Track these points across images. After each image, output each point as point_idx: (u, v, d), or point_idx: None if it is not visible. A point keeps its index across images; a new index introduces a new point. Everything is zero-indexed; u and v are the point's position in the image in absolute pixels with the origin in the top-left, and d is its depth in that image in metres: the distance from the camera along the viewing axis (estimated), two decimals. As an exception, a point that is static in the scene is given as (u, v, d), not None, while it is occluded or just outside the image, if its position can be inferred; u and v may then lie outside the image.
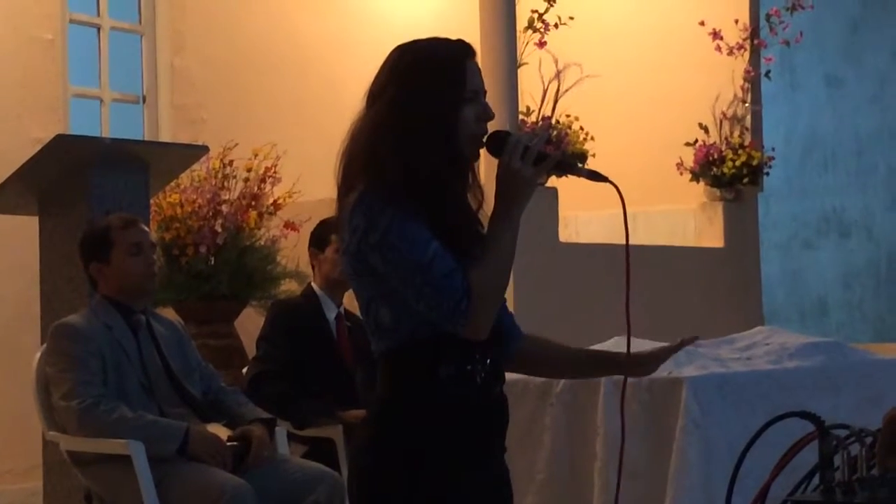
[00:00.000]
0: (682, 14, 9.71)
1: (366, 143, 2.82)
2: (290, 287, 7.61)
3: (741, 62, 9.54)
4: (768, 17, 9.63)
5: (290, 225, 7.69)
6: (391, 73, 2.84)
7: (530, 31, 8.46)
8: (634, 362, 3.13)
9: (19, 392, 5.98)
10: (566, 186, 7.99)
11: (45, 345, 5.06)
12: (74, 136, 6.78)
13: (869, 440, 2.25)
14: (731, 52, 9.46)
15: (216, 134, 8.07)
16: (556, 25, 8.51)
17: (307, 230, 6.21)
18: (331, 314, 5.90)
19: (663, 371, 5.02)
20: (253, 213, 7.58)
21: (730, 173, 9.42)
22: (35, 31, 8.06)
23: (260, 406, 5.19)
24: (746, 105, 9.59)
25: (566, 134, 8.77)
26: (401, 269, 2.74)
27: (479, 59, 2.91)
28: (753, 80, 9.61)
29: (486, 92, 2.87)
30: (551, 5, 8.50)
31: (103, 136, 8.32)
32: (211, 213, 7.46)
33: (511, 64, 8.03)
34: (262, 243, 7.73)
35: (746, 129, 9.59)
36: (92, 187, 5.74)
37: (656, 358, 3.15)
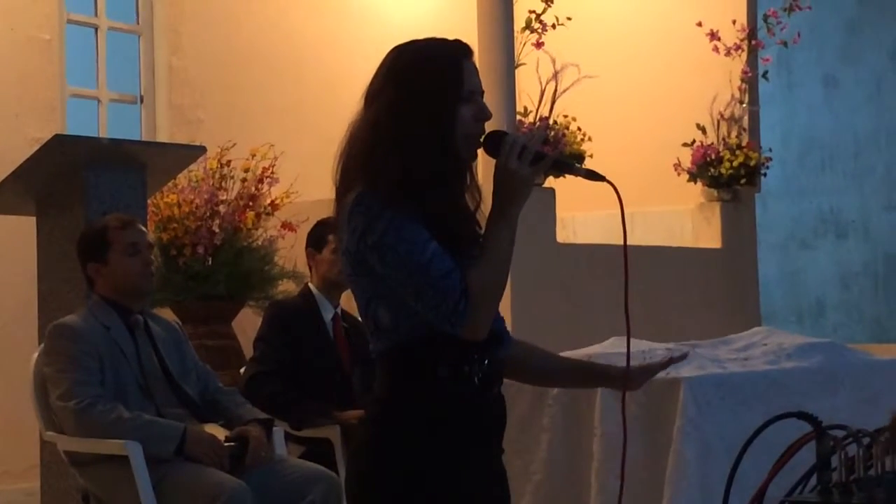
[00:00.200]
0: (679, 15, 9.71)
1: (364, 144, 2.82)
2: (287, 287, 7.61)
3: (738, 63, 9.54)
4: (766, 17, 9.63)
5: (287, 225, 7.70)
6: (389, 73, 2.85)
7: (528, 32, 8.46)
8: (622, 376, 3.15)
9: (17, 392, 5.98)
10: (563, 187, 7.99)
11: (42, 345, 5.06)
12: (72, 136, 6.78)
13: (866, 441, 2.25)
14: (728, 53, 9.47)
15: (214, 134, 8.08)
16: (553, 26, 8.51)
17: (304, 231, 6.21)
18: (328, 315, 5.90)
19: (661, 371, 5.02)
20: (250, 214, 7.58)
21: (727, 174, 9.42)
22: (32, 31, 8.06)
23: (257, 406, 5.19)
24: (744, 106, 9.60)
25: (563, 134, 8.77)
26: (399, 270, 2.74)
27: (476, 59, 2.91)
28: (751, 81, 9.61)
29: (483, 92, 2.87)
30: (549, 6, 8.50)
31: (101, 136, 8.32)
32: (208, 214, 7.46)
33: (509, 64, 8.03)
34: (260, 244, 7.73)
35: (744, 129, 9.60)
36: (89, 187, 5.74)
37: (646, 372, 3.16)
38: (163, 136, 8.78)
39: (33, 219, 5.97)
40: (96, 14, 8.77)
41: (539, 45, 8.47)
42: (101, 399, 4.76)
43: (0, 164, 6.18)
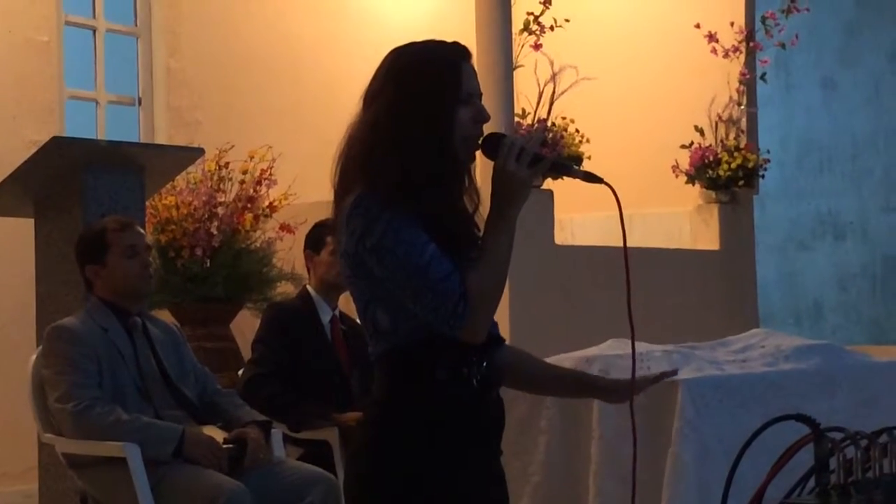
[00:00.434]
0: (677, 16, 9.72)
1: (362, 146, 2.82)
2: (285, 289, 7.61)
3: (737, 65, 9.54)
4: (764, 19, 9.64)
5: (285, 227, 7.70)
6: (387, 75, 2.85)
7: (526, 34, 8.46)
8: (612, 388, 3.15)
9: (15, 394, 5.97)
10: (561, 189, 7.99)
11: (40, 347, 5.06)
12: (70, 138, 6.78)
13: (864, 443, 2.25)
14: (726, 55, 9.47)
15: (212, 136, 8.07)
16: (551, 28, 8.51)
17: (303, 232, 6.21)
18: (326, 317, 5.90)
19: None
20: (248, 216, 7.58)
21: (725, 176, 9.43)
22: (30, 33, 8.05)
23: (255, 408, 5.19)
24: (742, 107, 9.60)
25: (562, 136, 8.77)
26: (398, 273, 2.74)
27: (474, 61, 2.91)
28: (749, 83, 9.61)
29: (481, 94, 2.88)
30: (547, 7, 8.50)
31: (99, 138, 8.32)
32: (207, 216, 7.46)
33: (507, 66, 8.03)
34: (258, 246, 7.73)
35: (742, 131, 9.60)
36: (87, 189, 5.74)
37: (636, 385, 3.15)
38: (161, 138, 8.77)
39: (31, 221, 5.97)
40: (94, 16, 8.76)
41: (537, 46, 8.47)
42: (100, 401, 4.76)
43: (-2, 166, 6.18)
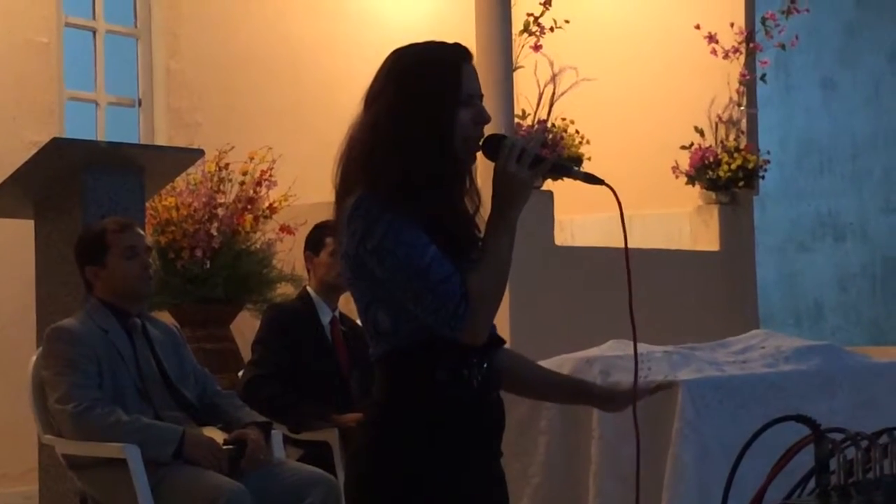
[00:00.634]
0: (677, 17, 9.72)
1: (363, 147, 2.82)
2: (285, 290, 7.61)
3: (737, 65, 9.54)
4: (764, 20, 9.64)
5: (285, 228, 7.70)
6: (388, 76, 2.85)
7: (526, 35, 8.46)
8: (608, 397, 3.16)
9: (15, 395, 5.98)
10: (561, 190, 7.99)
11: (40, 348, 5.06)
12: (70, 139, 6.78)
13: (865, 444, 2.25)
14: (726, 56, 9.47)
15: (212, 137, 8.08)
16: (551, 29, 8.51)
17: (303, 234, 6.21)
18: (326, 318, 5.89)
19: (659, 374, 5.02)
20: (248, 217, 7.58)
21: (725, 176, 9.43)
22: (30, 34, 8.05)
23: (255, 410, 5.19)
24: (742, 108, 9.60)
25: (562, 137, 8.77)
26: (398, 274, 2.74)
27: (475, 62, 2.91)
28: (749, 84, 9.61)
29: (482, 95, 2.88)
30: (547, 9, 8.50)
31: (99, 139, 8.32)
32: (206, 217, 7.46)
33: (507, 67, 8.03)
34: (258, 247, 7.73)
35: (742, 132, 9.60)
36: (87, 191, 5.74)
37: (629, 397, 3.16)
38: (161, 140, 8.78)
39: (31, 222, 5.97)
40: (94, 17, 8.77)
41: (537, 47, 8.47)
42: (99, 402, 4.76)
43: (-2, 168, 6.19)
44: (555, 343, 6.30)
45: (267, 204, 7.70)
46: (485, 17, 8.00)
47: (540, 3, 8.53)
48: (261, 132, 8.38)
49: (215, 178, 7.60)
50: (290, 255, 7.45)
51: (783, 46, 9.61)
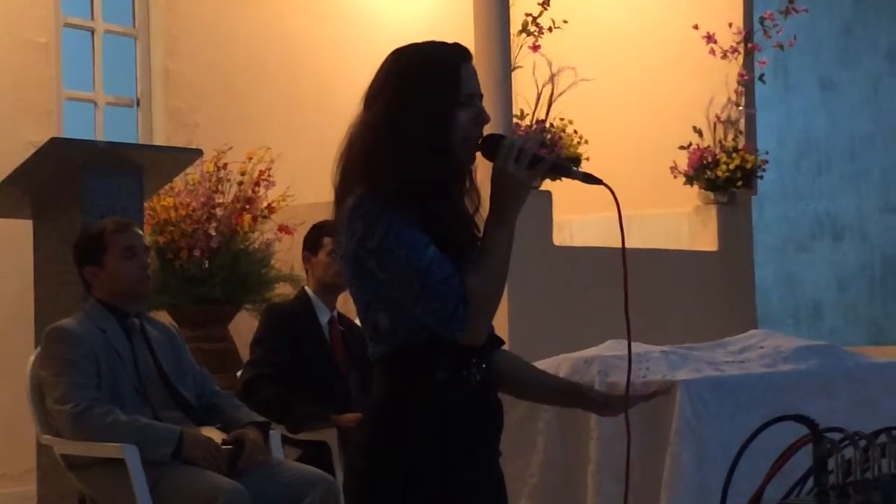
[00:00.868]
0: (675, 18, 9.72)
1: (362, 147, 2.82)
2: (284, 290, 7.61)
3: (735, 66, 9.55)
4: (762, 20, 9.64)
5: (283, 228, 7.70)
6: (387, 75, 2.85)
7: (524, 35, 8.47)
8: (603, 402, 3.16)
9: (13, 396, 5.98)
10: (560, 190, 7.99)
11: (39, 348, 5.05)
12: (68, 139, 6.77)
13: (863, 444, 2.25)
14: (724, 56, 9.47)
15: (210, 137, 8.07)
16: (550, 29, 8.52)
17: (301, 234, 6.21)
18: (324, 318, 5.89)
19: (657, 374, 5.03)
20: (247, 217, 7.58)
21: (724, 177, 9.43)
22: (29, 34, 8.05)
23: (254, 410, 5.19)
24: (740, 108, 9.61)
25: (560, 137, 8.78)
26: (398, 275, 2.74)
27: (473, 62, 2.91)
28: (747, 84, 9.62)
29: (482, 96, 2.87)
30: (545, 9, 8.51)
31: (97, 139, 8.31)
32: (205, 217, 7.46)
33: (505, 67, 8.03)
34: (256, 247, 7.73)
35: (740, 132, 9.61)
36: (86, 191, 5.74)
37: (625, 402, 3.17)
38: (159, 140, 8.77)
39: (30, 222, 5.97)
40: (93, 17, 8.76)
41: (535, 48, 8.47)
42: (98, 402, 4.76)
43: (-3, 168, 6.18)
44: (553, 343, 6.30)
45: (265, 204, 7.70)
46: (483, 17, 8.01)
47: (538, 4, 8.53)
48: (259, 132, 8.38)
49: (214, 179, 7.60)
50: (288, 255, 7.45)
51: (781, 46, 9.62)
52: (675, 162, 9.53)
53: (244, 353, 6.34)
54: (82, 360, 4.82)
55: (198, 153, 6.55)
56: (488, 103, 2.95)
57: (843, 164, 12.99)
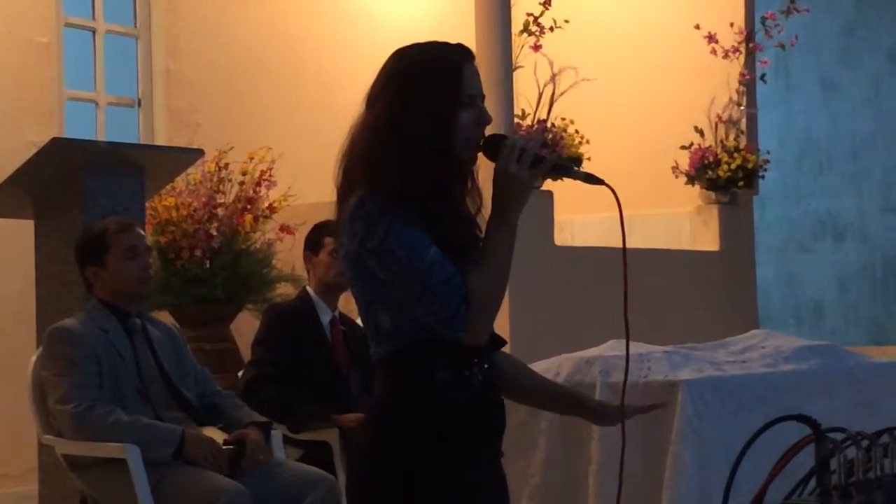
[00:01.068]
0: (677, 17, 9.72)
1: (364, 146, 2.82)
2: (285, 290, 7.61)
3: (736, 65, 9.55)
4: (763, 20, 9.64)
5: (285, 228, 7.70)
6: (389, 75, 2.84)
7: (525, 35, 8.46)
8: (600, 411, 3.18)
9: (15, 396, 5.98)
10: (561, 190, 7.99)
11: (40, 348, 5.06)
12: (70, 139, 6.78)
13: (865, 444, 2.25)
14: (726, 56, 9.47)
15: (211, 137, 8.07)
16: (551, 29, 8.52)
17: (303, 233, 6.21)
18: (325, 318, 5.90)
19: (659, 374, 5.03)
20: (248, 217, 7.58)
21: (725, 176, 9.43)
22: (30, 34, 8.05)
23: (255, 410, 5.19)
24: (742, 108, 9.60)
25: (561, 137, 8.78)
26: (399, 276, 2.74)
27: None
28: (749, 84, 9.61)
29: (484, 96, 2.87)
30: (546, 8, 8.51)
31: (99, 139, 8.31)
32: (206, 217, 7.46)
33: (506, 67, 8.03)
34: (258, 247, 7.73)
35: (742, 132, 9.61)
36: (87, 191, 5.74)
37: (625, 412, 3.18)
38: (161, 140, 8.77)
39: (31, 222, 5.97)
40: (94, 17, 8.76)
41: (537, 47, 8.47)
42: (99, 402, 4.76)
43: (-2, 168, 6.18)
44: (554, 343, 6.30)
45: (266, 204, 7.70)
46: (484, 17, 8.00)
47: (540, 3, 8.53)
48: (260, 132, 8.38)
49: (215, 178, 7.60)
50: (289, 255, 7.45)
51: (783, 46, 9.62)
52: (676, 162, 9.53)
53: (245, 354, 6.34)
54: (84, 360, 4.82)
55: (199, 153, 6.55)
56: (489, 103, 2.95)
57: (844, 164, 12.98)
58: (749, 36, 9.57)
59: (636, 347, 5.17)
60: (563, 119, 8.83)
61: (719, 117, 9.56)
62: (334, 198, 2.88)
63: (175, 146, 8.10)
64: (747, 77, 9.55)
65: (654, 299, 8.59)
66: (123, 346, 4.95)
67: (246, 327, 7.33)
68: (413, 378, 2.81)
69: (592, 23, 9.78)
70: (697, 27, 9.42)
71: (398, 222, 2.74)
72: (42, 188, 5.82)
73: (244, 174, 7.65)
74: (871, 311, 12.93)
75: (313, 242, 5.93)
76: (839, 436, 2.26)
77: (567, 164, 3.01)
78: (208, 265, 7.45)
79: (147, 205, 6.49)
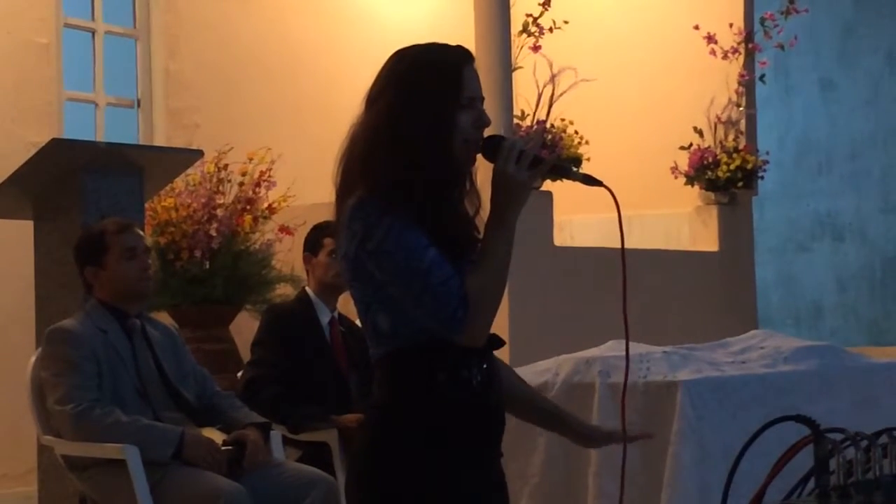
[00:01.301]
0: (676, 18, 9.72)
1: (363, 147, 2.82)
2: (284, 291, 7.61)
3: (735, 66, 9.55)
4: (762, 20, 9.64)
5: (284, 229, 7.70)
6: (389, 76, 2.85)
7: (525, 35, 8.47)
8: (586, 434, 3.19)
9: (14, 396, 5.98)
10: (561, 190, 7.99)
11: (39, 349, 5.06)
12: (69, 140, 6.77)
13: (864, 444, 2.25)
14: (725, 56, 9.47)
15: (211, 138, 8.07)
16: (550, 29, 8.52)
17: (302, 234, 6.21)
18: (325, 318, 5.89)
19: (658, 375, 5.03)
20: (248, 218, 7.58)
21: (724, 177, 9.43)
22: (30, 35, 8.05)
23: (255, 410, 5.19)
24: (741, 109, 9.61)
25: (561, 138, 8.77)
26: (398, 277, 2.74)
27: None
28: (748, 84, 9.62)
29: (483, 98, 2.87)
30: (546, 9, 8.51)
31: (98, 140, 8.31)
32: (206, 218, 7.46)
33: (506, 68, 8.03)
34: (257, 247, 7.73)
35: (741, 132, 9.61)
36: (87, 191, 5.74)
37: (607, 438, 3.19)
38: (160, 140, 8.77)
39: (31, 223, 5.97)
40: (93, 18, 8.76)
41: (536, 48, 8.47)
42: (99, 403, 4.76)
43: (-3, 169, 6.18)
44: (554, 343, 6.30)
45: (266, 204, 7.70)
46: (484, 17, 8.01)
47: (539, 4, 8.54)
48: (260, 133, 8.38)
49: (214, 179, 7.60)
50: (289, 256, 7.45)
51: (782, 47, 9.62)
52: (675, 162, 9.53)
53: (245, 354, 6.34)
54: (83, 360, 4.82)
55: (198, 154, 6.55)
56: (489, 104, 2.95)
57: (843, 165, 12.98)
58: (748, 36, 9.57)
59: (635, 348, 5.17)
60: (563, 120, 8.83)
61: (718, 118, 9.57)
62: (333, 198, 2.88)
63: (174, 147, 8.10)
64: (746, 77, 9.55)
65: (654, 300, 8.59)
66: (123, 346, 4.95)
67: (245, 328, 7.33)
68: (412, 379, 2.81)
69: (591, 23, 9.78)
70: (697, 28, 9.42)
71: (397, 223, 2.74)
72: (41, 189, 5.82)
73: (243, 175, 7.65)
74: (870, 312, 12.93)
75: (312, 243, 5.93)
76: (838, 436, 2.27)
77: (566, 165, 3.01)
78: (208, 266, 7.45)
79: (146, 205, 6.50)
